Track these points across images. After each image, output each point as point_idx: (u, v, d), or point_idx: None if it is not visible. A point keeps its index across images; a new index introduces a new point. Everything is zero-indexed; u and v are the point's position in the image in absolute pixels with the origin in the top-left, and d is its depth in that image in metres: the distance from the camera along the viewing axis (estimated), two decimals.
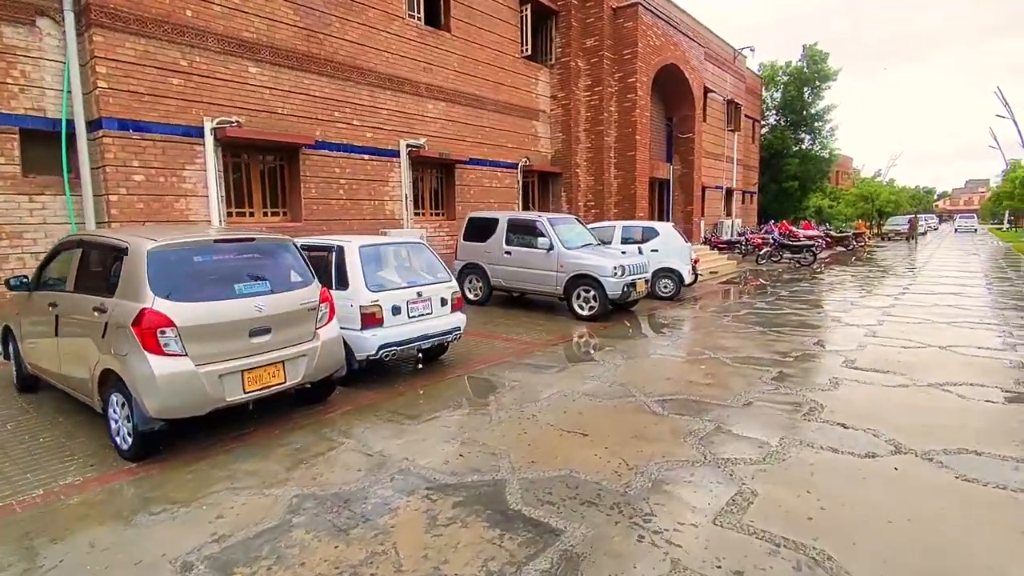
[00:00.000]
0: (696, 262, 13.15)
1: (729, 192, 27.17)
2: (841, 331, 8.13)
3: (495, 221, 10.38)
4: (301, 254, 4.95)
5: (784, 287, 13.44)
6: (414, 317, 5.86)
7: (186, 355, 3.91)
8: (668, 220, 19.48)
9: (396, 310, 5.69)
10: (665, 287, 11.48)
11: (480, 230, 10.59)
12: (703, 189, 23.47)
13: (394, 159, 11.53)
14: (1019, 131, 36.76)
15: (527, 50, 14.56)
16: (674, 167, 19.38)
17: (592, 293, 9.11)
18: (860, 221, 43.95)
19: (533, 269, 9.74)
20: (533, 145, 15.26)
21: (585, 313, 9.21)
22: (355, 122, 10.73)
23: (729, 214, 27.38)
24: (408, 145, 11.68)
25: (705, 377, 5.79)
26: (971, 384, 5.33)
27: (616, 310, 10.04)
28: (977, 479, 3.42)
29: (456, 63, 12.74)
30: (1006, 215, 61.69)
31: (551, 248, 9.46)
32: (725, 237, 23.50)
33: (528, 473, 3.63)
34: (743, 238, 22.74)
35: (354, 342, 5.51)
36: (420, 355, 6.09)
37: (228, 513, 3.21)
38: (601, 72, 15.37)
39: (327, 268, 5.85)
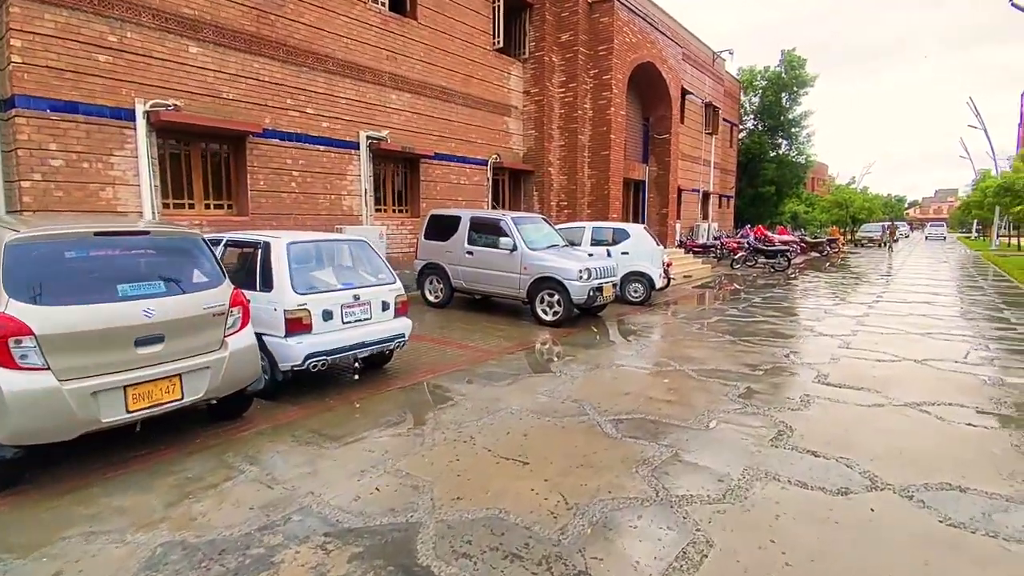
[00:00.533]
0: (669, 266, 12.75)
1: (706, 195, 26.99)
2: (814, 341, 7.76)
3: (457, 219, 9.82)
4: (210, 250, 4.34)
5: (758, 293, 13.12)
6: (349, 323, 5.27)
7: (48, 369, 3.28)
8: (643, 222, 19.14)
9: (327, 315, 5.10)
10: (635, 291, 11.05)
11: (441, 228, 10.03)
12: (679, 192, 23.21)
13: (353, 151, 10.89)
14: (989, 141, 37.47)
15: (499, 43, 14.01)
16: (650, 168, 19.03)
17: (556, 297, 8.61)
18: (834, 227, 44.31)
19: (495, 271, 9.21)
20: (504, 142, 14.73)
21: (549, 318, 8.71)
22: (310, 110, 10.06)
23: (706, 217, 27.21)
24: (369, 137, 11.05)
25: (667, 392, 5.31)
26: (949, 404, 4.94)
27: (583, 315, 9.57)
28: (964, 524, 2.98)
29: (422, 53, 12.14)
30: (974, 224, 63.07)
31: (514, 249, 8.94)
32: (701, 241, 23.28)
33: (450, 513, 3.09)
34: (719, 242, 22.53)
35: (278, 350, 4.91)
36: (358, 364, 5.50)
37: (69, 569, 2.61)
38: (576, 68, 14.90)
39: (252, 267, 5.24)
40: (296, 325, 4.89)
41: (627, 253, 11.06)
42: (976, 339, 7.92)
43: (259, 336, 4.97)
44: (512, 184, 15.51)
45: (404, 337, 5.78)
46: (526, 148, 15.28)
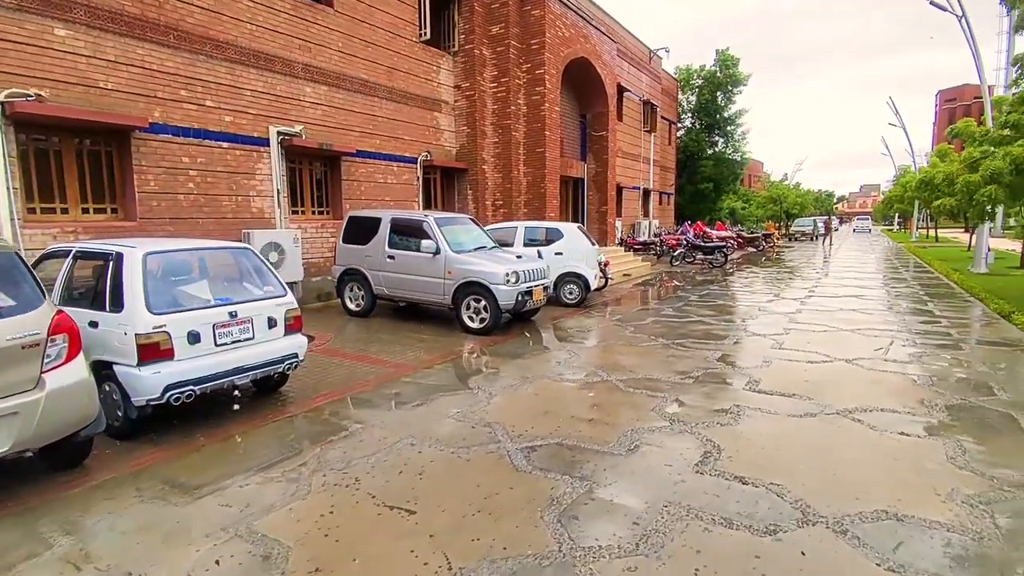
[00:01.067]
0: (606, 265, 12.44)
1: (646, 192, 27.13)
2: (747, 343, 7.51)
3: (377, 221, 9.11)
4: (25, 267, 3.52)
5: (695, 290, 13.00)
6: (224, 345, 4.52)
7: None
8: (583, 220, 18.88)
9: (194, 337, 4.33)
10: (570, 293, 10.63)
11: (361, 231, 9.29)
12: (620, 189, 23.16)
13: (263, 148, 9.97)
14: (908, 139, 39.54)
15: (426, 35, 13.32)
16: (588, 166, 18.78)
17: (483, 303, 8.05)
18: (770, 222, 45.88)
19: (418, 275, 8.56)
20: (435, 138, 14.05)
21: (476, 326, 8.13)
22: (209, 103, 9.10)
23: (647, 214, 27.36)
24: (281, 133, 10.16)
25: (591, 409, 4.83)
26: (881, 410, 4.68)
27: (514, 320, 9.07)
28: (905, 566, 2.60)
29: (341, 43, 11.31)
30: (896, 217, 66.88)
31: (437, 252, 8.31)
32: (641, 238, 23.31)
33: None
34: (659, 239, 22.59)
35: (129, 382, 4.11)
36: (238, 393, 4.75)
37: None
38: (508, 62, 14.39)
39: (101, 283, 4.40)
40: (151, 351, 4.10)
41: (561, 253, 10.64)
42: (903, 334, 7.89)
43: (109, 365, 4.18)
44: (445, 183, 14.85)
45: (297, 357, 5.07)
46: (458, 145, 14.65)
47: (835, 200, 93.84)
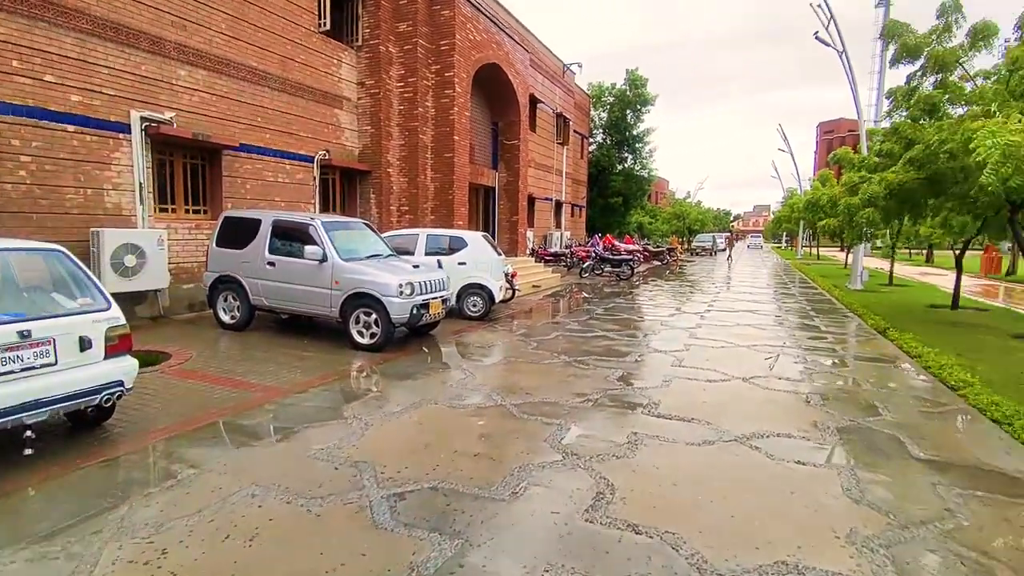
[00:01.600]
0: (513, 276, 12.07)
1: (559, 204, 27.34)
2: (648, 360, 7.34)
3: (257, 223, 8.13)
4: None
5: (601, 303, 12.94)
6: (8, 374, 3.54)
7: None
8: (493, 230, 18.51)
9: None
10: (473, 306, 10.12)
11: (238, 234, 8.26)
12: (532, 200, 23.10)
13: (122, 135, 8.65)
14: (795, 164, 42.96)
15: (325, 24, 12.38)
16: (500, 174, 18.47)
17: (373, 316, 7.32)
18: (674, 237, 48.18)
19: (303, 285, 7.68)
20: (335, 136, 13.09)
21: (365, 341, 7.38)
22: (49, 78, 7.72)
23: (559, 226, 27.57)
24: (146, 119, 8.89)
25: (479, 441, 4.30)
26: (777, 435, 4.52)
27: (412, 335, 8.41)
28: None
29: (225, 25, 10.17)
30: (784, 235, 72.76)
31: (324, 259, 7.49)
32: (552, 249, 23.35)
33: None
34: (569, 251, 22.72)
35: None
36: (30, 435, 3.75)
37: None
38: (416, 62, 13.74)
39: None
40: None
41: (464, 264, 10.11)
42: (795, 349, 8.08)
43: None
44: (346, 185, 13.88)
45: (122, 386, 4.13)
46: (362, 145, 13.77)
47: (731, 218, 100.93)
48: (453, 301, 10.08)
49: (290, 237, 7.88)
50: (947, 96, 10.04)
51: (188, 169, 10.13)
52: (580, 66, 28.48)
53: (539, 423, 4.72)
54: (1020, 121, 4.80)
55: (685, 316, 11.19)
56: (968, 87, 10.12)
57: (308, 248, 7.48)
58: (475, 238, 10.37)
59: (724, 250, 47.71)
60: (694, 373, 6.52)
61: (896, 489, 3.61)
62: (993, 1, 9.66)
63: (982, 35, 9.64)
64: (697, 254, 44.24)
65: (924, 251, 35.06)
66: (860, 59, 19.04)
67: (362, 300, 7.35)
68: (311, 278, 7.58)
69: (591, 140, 36.91)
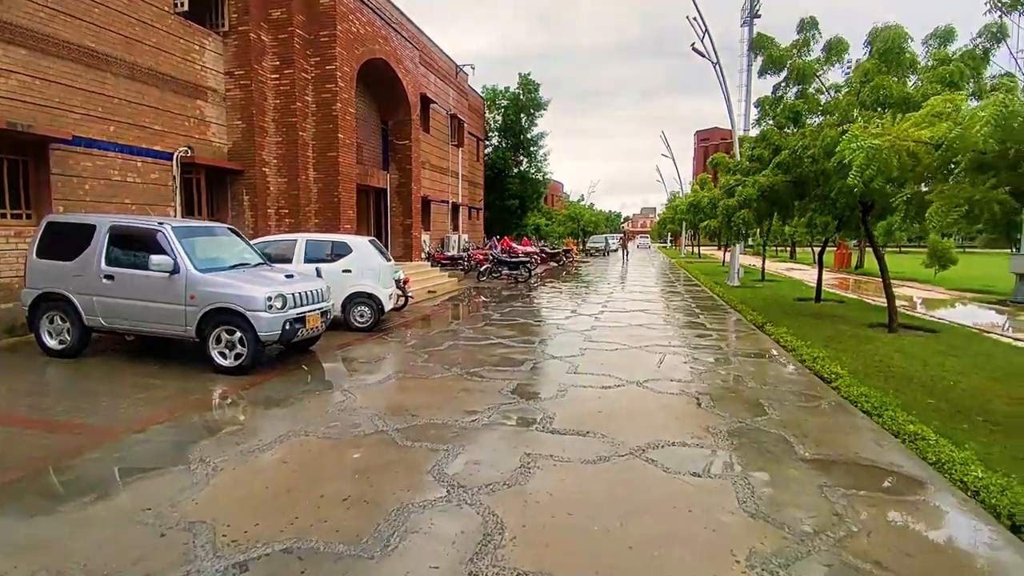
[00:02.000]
0: (406, 283, 11.45)
1: (455, 207, 26.89)
2: (544, 368, 7.09)
3: (90, 229, 6.88)
4: None
5: (498, 308, 12.66)
6: None
7: None
8: (386, 234, 17.67)
9: None
10: (361, 316, 9.38)
11: (65, 242, 6.95)
12: (428, 202, 22.46)
13: None
14: (676, 169, 45.72)
15: (183, 5, 11.00)
16: (391, 176, 17.66)
17: (238, 334, 6.42)
18: (569, 239, 49.54)
19: (149, 301, 6.59)
20: (200, 132, 11.70)
21: (229, 363, 6.46)
22: None
23: (456, 229, 27.12)
24: None
25: (352, 481, 3.73)
26: (672, 444, 4.39)
27: (290, 351, 7.56)
28: None
29: None
30: (669, 235, 77.59)
31: (176, 271, 6.46)
32: (450, 253, 22.86)
33: None
34: (466, 254, 22.34)
35: None
36: None
37: None
38: (292, 52, 12.66)
39: None
40: None
41: (349, 271, 9.34)
42: (684, 349, 8.24)
43: None
44: (214, 186, 12.46)
45: None
46: (232, 142, 12.44)
47: (622, 220, 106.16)
48: (338, 312, 9.30)
49: (133, 245, 6.73)
50: (807, 106, 10.85)
51: (5, 166, 8.47)
52: (473, 67, 28.29)
53: (424, 450, 4.23)
54: (879, 126, 5.05)
55: (581, 318, 11.19)
56: (824, 98, 11.00)
57: (155, 258, 6.41)
58: (361, 243, 9.62)
59: (617, 250, 49.87)
60: (589, 380, 6.35)
61: (788, 495, 3.55)
62: (843, 21, 10.66)
63: (836, 50, 10.51)
64: (592, 255, 45.79)
65: (788, 248, 38.74)
66: (731, 73, 20.49)
67: (224, 316, 6.41)
68: (160, 293, 6.51)
69: (487, 143, 36.87)
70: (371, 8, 14.78)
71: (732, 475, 3.83)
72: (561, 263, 31.11)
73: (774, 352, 8.14)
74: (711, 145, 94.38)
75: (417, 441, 4.41)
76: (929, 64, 9.12)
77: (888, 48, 8.78)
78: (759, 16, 20.81)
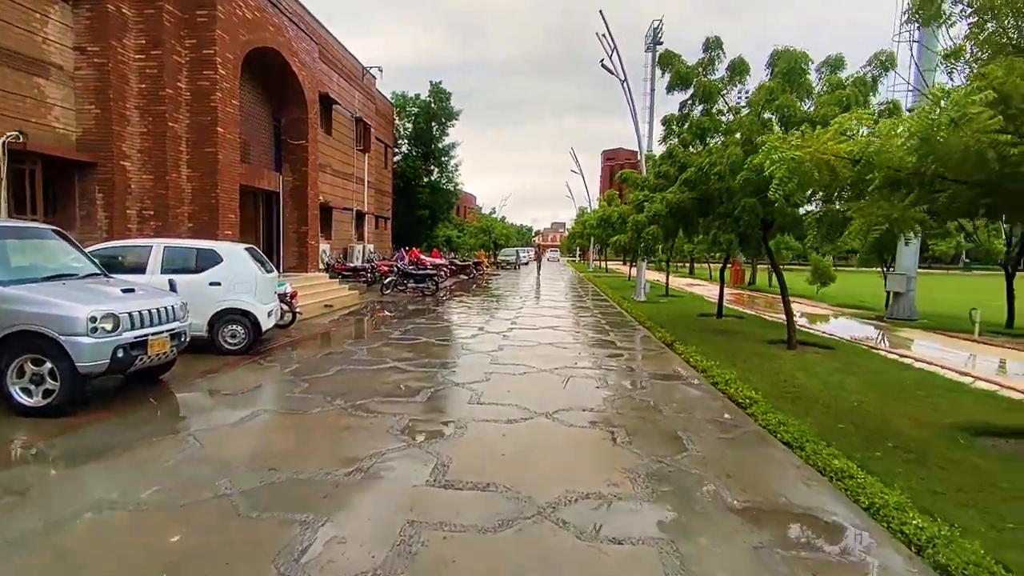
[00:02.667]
0: (293, 297, 10.19)
1: (361, 215, 25.41)
2: (444, 397, 6.25)
3: None
4: None
5: (400, 324, 11.65)
6: None
7: None
8: (278, 242, 16.05)
9: None
10: (232, 336, 8.06)
11: None
12: (329, 209, 20.97)
13: None
14: (585, 185, 46.78)
15: None
16: (285, 178, 16.10)
17: (48, 365, 5.03)
18: (481, 251, 49.00)
19: None
20: (38, 114, 9.78)
21: (34, 402, 5.04)
22: None
23: (361, 239, 25.61)
24: None
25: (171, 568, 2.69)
26: (588, 496, 3.73)
27: (133, 382, 6.18)
28: None
29: None
30: (577, 250, 79.50)
31: None
32: (352, 264, 21.40)
33: None
34: (370, 265, 21.00)
35: None
36: None
37: None
38: (161, 31, 11.02)
39: None
40: None
41: (219, 284, 8.01)
42: (596, 371, 7.74)
43: None
44: (56, 181, 10.47)
45: None
46: (82, 129, 10.55)
47: (533, 233, 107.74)
48: (204, 332, 7.93)
49: None
50: (712, 124, 10.94)
51: None
52: (381, 70, 27.06)
53: (275, 524, 3.25)
54: (798, 138, 4.78)
55: (488, 336, 10.47)
56: (728, 119, 11.14)
57: None
58: (233, 251, 8.29)
59: (527, 263, 50.06)
60: (494, 412, 5.60)
61: (722, 564, 2.97)
62: (739, 48, 10.90)
63: (738, 70, 10.68)
64: (503, 267, 45.50)
65: (688, 264, 40.64)
66: (637, 96, 20.89)
67: (29, 341, 5.01)
68: None
69: (396, 151, 35.55)
70: None
71: (657, 539, 3.20)
72: (471, 276, 30.39)
73: (685, 373, 7.85)
74: (616, 164, 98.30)
75: (269, 510, 3.41)
76: (824, 89, 9.42)
77: (792, 68, 8.93)
78: (661, 43, 21.52)
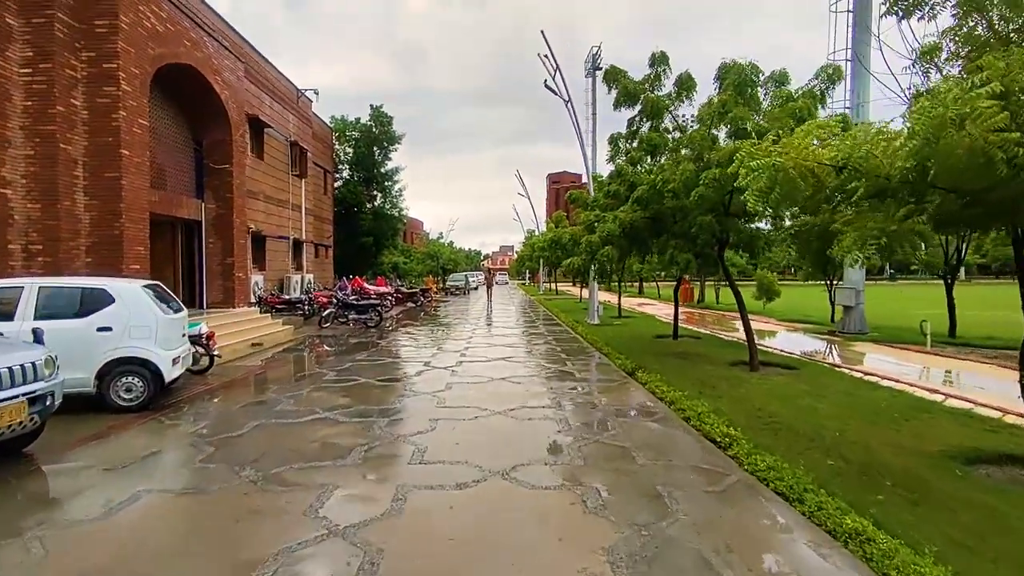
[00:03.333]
0: (211, 338, 8.98)
1: (298, 244, 23.94)
2: (377, 458, 5.27)
3: None
4: None
5: (336, 363, 10.53)
6: None
7: None
8: (201, 275, 14.58)
9: None
10: (128, 391, 6.79)
11: None
12: (263, 238, 19.56)
13: None
14: (532, 208, 46.64)
15: None
16: (207, 205, 14.71)
17: None
18: (429, 277, 47.80)
19: None
20: None
21: None
22: None
23: (300, 268, 24.10)
24: None
25: None
26: None
27: None
28: None
29: None
30: (527, 273, 79.33)
31: None
32: (288, 296, 19.93)
33: None
34: (307, 297, 19.60)
35: None
36: None
37: None
38: (52, 42, 9.71)
39: None
40: None
41: (109, 329, 6.75)
42: (554, 410, 6.93)
43: None
44: None
45: None
46: None
47: (481, 257, 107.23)
48: (92, 387, 6.65)
49: None
50: (660, 141, 10.56)
51: None
52: (317, 92, 25.99)
53: None
54: (774, 142, 4.22)
55: (435, 373, 9.52)
56: (673, 137, 10.78)
57: None
58: (128, 290, 7.04)
59: (477, 288, 49.19)
60: (439, 476, 4.67)
61: None
62: (684, 63, 10.68)
63: (685, 85, 10.39)
64: (452, 293, 44.42)
65: (637, 284, 40.87)
66: (580, 120, 20.70)
67: None
68: None
69: (337, 176, 34.22)
70: (175, 4, 12.21)
71: None
72: (419, 303, 29.22)
73: (652, 406, 7.17)
74: (562, 187, 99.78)
75: None
76: (775, 103, 9.19)
77: (743, 81, 8.63)
78: (600, 68, 21.52)
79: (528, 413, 6.72)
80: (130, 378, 6.78)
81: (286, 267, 22.49)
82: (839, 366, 10.53)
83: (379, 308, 17.55)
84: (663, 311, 25.26)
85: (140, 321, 6.85)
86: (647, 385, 8.16)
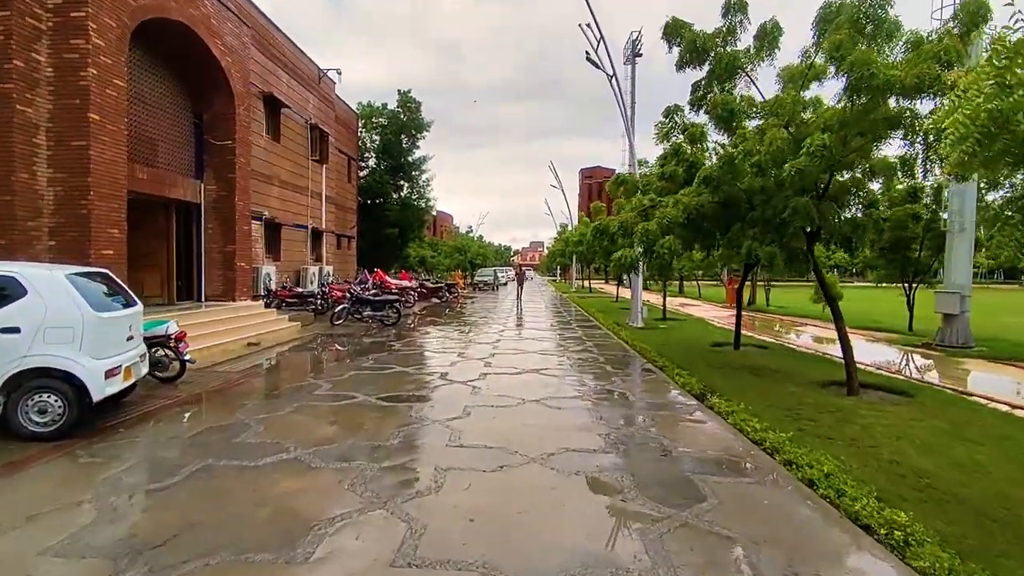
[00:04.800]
0: (181, 339, 7.33)
1: (317, 233, 22.48)
2: (367, 528, 3.45)
3: None
4: None
5: (338, 371, 8.80)
6: None
7: None
8: (199, 265, 13.10)
9: None
10: (41, 413, 5.14)
11: None
12: (277, 226, 18.12)
13: None
14: (565, 198, 44.49)
15: None
16: (207, 187, 13.20)
17: None
18: (456, 272, 46.24)
19: None
20: None
21: None
22: None
23: (319, 260, 22.66)
24: None
25: None
26: None
27: None
28: None
29: None
30: (558, 269, 77.16)
31: None
32: (303, 289, 18.43)
33: None
34: (321, 291, 18.05)
35: None
36: None
37: None
38: None
39: None
40: None
41: (16, 329, 5.11)
42: (607, 455, 5.01)
43: None
44: None
45: None
46: None
47: (511, 253, 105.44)
48: None
49: None
50: (741, 107, 8.48)
51: None
52: (340, 72, 24.41)
53: None
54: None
55: (454, 388, 7.69)
56: (758, 99, 8.72)
57: None
58: (44, 278, 5.35)
59: (506, 284, 47.38)
60: (469, 501, 2.82)
61: None
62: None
63: (770, 36, 8.28)
64: (480, 289, 42.66)
65: (677, 282, 38.36)
66: (617, 116, 18.61)
67: None
68: None
69: (362, 164, 32.81)
70: None
71: None
72: (444, 299, 27.52)
73: (742, 450, 5.18)
74: (595, 182, 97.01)
75: None
76: (896, 48, 7.00)
77: (863, 15, 6.48)
78: (640, 55, 19.38)
79: (571, 462, 4.78)
80: (45, 396, 5.12)
81: (304, 258, 21.06)
82: (967, 393, 8.29)
83: (397, 305, 15.85)
84: (710, 313, 22.97)
85: (59, 320, 5.18)
86: (729, 418, 6.14)
